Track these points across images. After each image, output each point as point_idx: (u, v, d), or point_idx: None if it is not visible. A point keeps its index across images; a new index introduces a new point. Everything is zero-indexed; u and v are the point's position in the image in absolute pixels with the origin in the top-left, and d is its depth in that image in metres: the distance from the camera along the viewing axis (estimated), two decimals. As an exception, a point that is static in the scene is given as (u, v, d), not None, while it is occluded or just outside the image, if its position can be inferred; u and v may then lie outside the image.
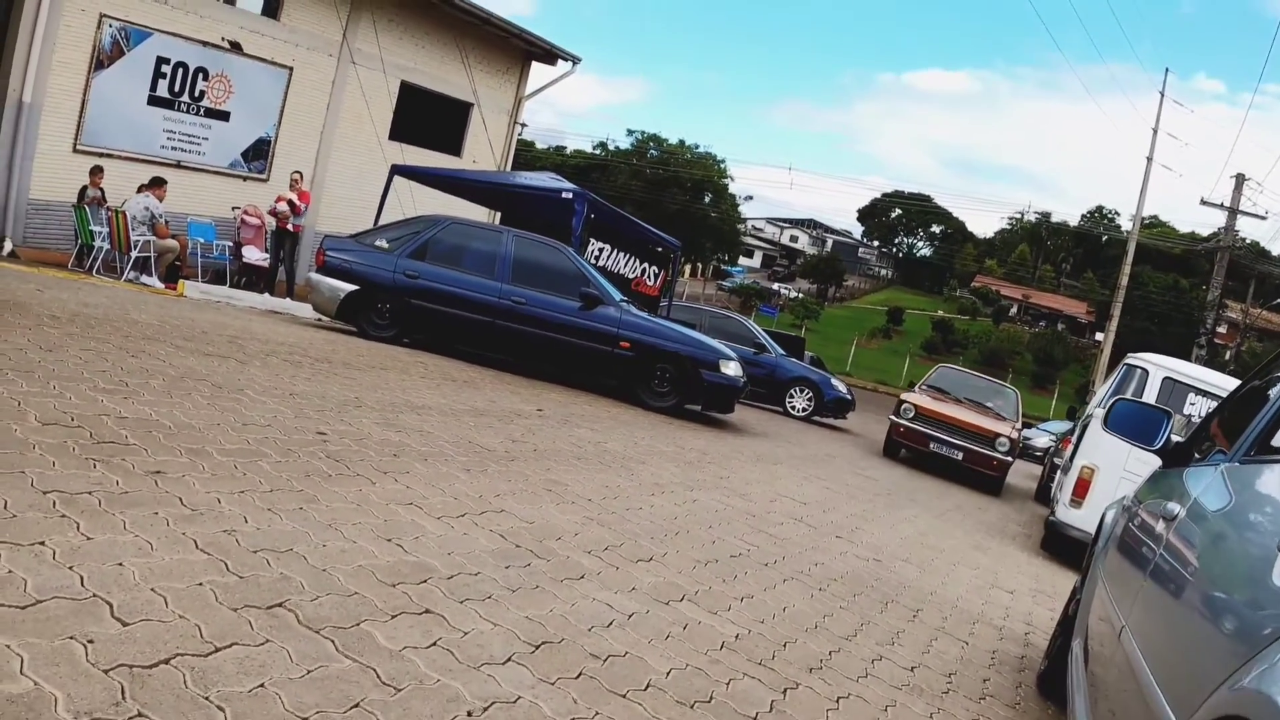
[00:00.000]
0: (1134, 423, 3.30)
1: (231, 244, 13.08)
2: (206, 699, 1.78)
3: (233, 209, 13.27)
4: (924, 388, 13.02)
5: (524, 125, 18.93)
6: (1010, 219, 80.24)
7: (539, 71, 17.92)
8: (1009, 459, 11.17)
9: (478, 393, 7.09)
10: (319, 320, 9.95)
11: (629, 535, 4.03)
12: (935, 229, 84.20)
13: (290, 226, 12.88)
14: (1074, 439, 9.60)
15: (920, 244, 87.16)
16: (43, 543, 2.25)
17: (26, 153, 11.29)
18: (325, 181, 14.80)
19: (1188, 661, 1.55)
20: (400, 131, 15.55)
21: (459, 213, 11.92)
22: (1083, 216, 74.32)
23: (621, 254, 12.64)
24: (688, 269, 53.73)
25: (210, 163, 13.34)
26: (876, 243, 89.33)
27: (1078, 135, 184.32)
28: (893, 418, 11.81)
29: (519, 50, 17.30)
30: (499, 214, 14.85)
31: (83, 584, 2.09)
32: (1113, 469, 7.03)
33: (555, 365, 9.17)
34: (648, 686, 2.47)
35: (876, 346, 49.78)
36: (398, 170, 12.54)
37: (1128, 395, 7.26)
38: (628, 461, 5.90)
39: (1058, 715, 3.44)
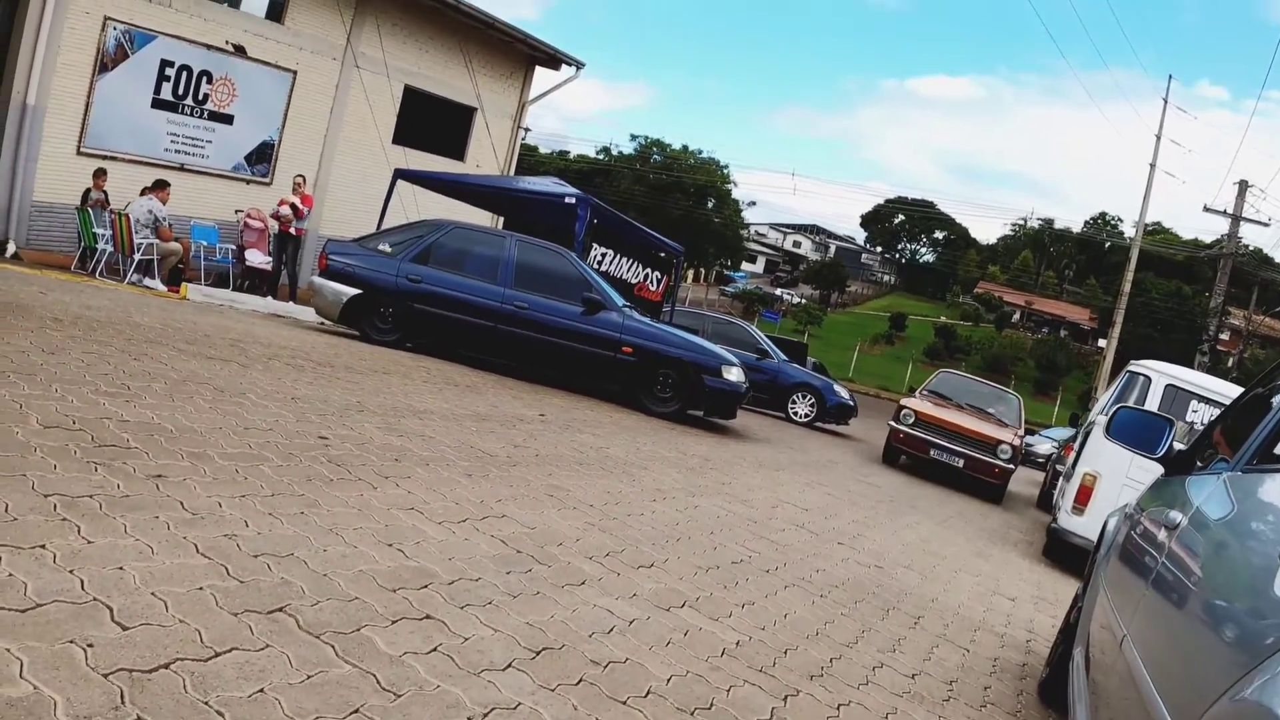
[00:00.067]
0: (1136, 430, 3.29)
1: (234, 247, 13.12)
2: (206, 704, 1.77)
3: (236, 212, 13.30)
4: (925, 393, 12.49)
5: (527, 130, 19.02)
6: (1013, 225, 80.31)
7: (542, 76, 17.98)
8: (1011, 466, 10.78)
9: (480, 397, 7.09)
10: (321, 324, 9.96)
11: (630, 541, 4.02)
12: (938, 235, 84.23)
13: (293, 230, 12.89)
14: (1076, 446, 9.54)
15: (923, 250, 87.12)
16: (43, 546, 2.25)
17: (30, 155, 11.33)
18: (328, 185, 14.82)
19: (1189, 671, 1.54)
20: (404, 136, 15.58)
21: (462, 217, 11.94)
22: (1086, 223, 74.37)
23: (624, 259, 12.65)
24: (690, 274, 53.70)
25: (213, 166, 13.38)
26: (879, 248, 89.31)
27: (1081, 142, 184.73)
28: (892, 424, 11.37)
29: (523, 55, 17.34)
30: (502, 219, 14.89)
31: (83, 588, 2.09)
32: (1115, 476, 7.01)
33: (558, 370, 9.16)
34: (648, 693, 2.47)
35: (879, 352, 49.75)
36: (401, 174, 12.58)
37: (1130, 402, 7.24)
38: (629, 467, 5.89)
39: (1059, 724, 3.43)
